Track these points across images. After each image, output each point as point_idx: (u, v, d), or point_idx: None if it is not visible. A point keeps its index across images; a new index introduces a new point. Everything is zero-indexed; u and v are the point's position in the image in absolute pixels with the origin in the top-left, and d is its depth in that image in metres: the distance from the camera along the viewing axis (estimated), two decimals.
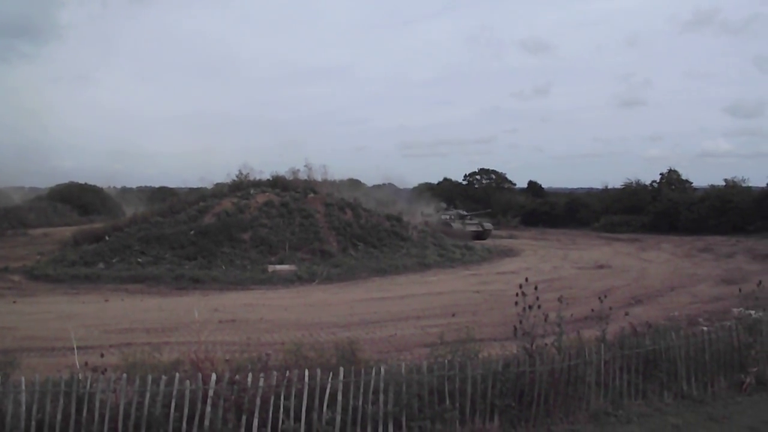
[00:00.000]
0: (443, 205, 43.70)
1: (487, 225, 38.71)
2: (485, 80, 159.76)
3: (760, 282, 7.79)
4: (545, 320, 6.08)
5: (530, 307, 5.99)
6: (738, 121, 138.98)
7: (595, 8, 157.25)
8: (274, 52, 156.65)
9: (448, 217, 38.91)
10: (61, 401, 5.15)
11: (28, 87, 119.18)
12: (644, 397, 6.55)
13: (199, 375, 5.47)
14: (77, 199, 48.09)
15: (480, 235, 36.95)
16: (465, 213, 40.37)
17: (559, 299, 6.24)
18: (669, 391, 6.70)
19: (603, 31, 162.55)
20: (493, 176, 60.43)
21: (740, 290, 8.08)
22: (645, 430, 5.93)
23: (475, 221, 38.82)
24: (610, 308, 6.81)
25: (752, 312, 7.45)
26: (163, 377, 5.36)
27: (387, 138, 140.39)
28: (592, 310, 6.83)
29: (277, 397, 5.43)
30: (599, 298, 6.70)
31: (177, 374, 5.47)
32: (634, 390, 6.56)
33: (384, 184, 50.77)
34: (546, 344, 6.21)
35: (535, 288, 6.01)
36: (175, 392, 5.29)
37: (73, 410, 5.15)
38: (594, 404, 6.26)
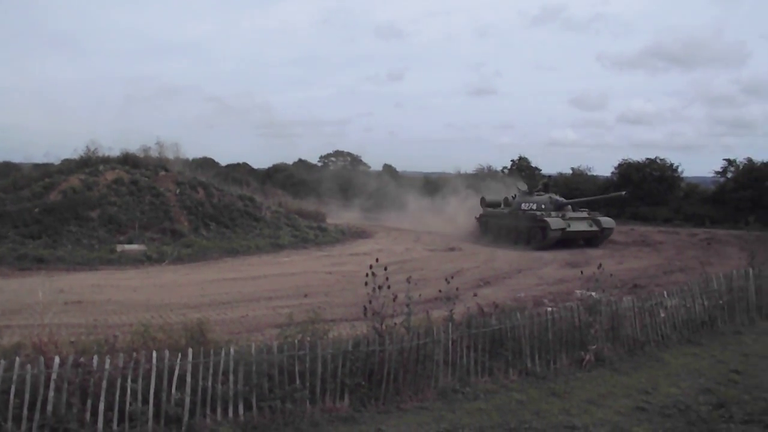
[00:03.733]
0: (522, 187, 28.16)
1: (607, 221, 24.75)
2: (341, 63, 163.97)
3: (600, 265, 8.34)
4: (395, 300, 6.32)
5: (380, 288, 6.19)
6: (583, 113, 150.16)
7: None
8: (127, 25, 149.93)
9: (534, 206, 25.13)
10: None
11: None
12: (490, 375, 6.85)
13: (42, 358, 5.34)
14: None
15: (594, 237, 24.76)
16: (563, 200, 26.01)
17: (408, 280, 6.54)
18: (514, 368, 7.05)
19: (455, 20, 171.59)
20: (348, 158, 60.13)
21: (582, 273, 8.72)
22: (491, 406, 6.15)
23: (583, 214, 25.18)
24: (457, 289, 7.17)
25: (593, 293, 7.98)
26: (2, 361, 5.17)
27: (242, 117, 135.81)
28: (440, 291, 7.14)
29: (124, 380, 5.35)
30: (447, 279, 7.07)
31: (18, 358, 5.30)
32: (481, 368, 6.87)
33: (238, 164, 49.76)
34: (395, 324, 6.45)
35: (386, 269, 6.22)
36: (15, 377, 5.11)
37: None
38: (442, 382, 6.52)
